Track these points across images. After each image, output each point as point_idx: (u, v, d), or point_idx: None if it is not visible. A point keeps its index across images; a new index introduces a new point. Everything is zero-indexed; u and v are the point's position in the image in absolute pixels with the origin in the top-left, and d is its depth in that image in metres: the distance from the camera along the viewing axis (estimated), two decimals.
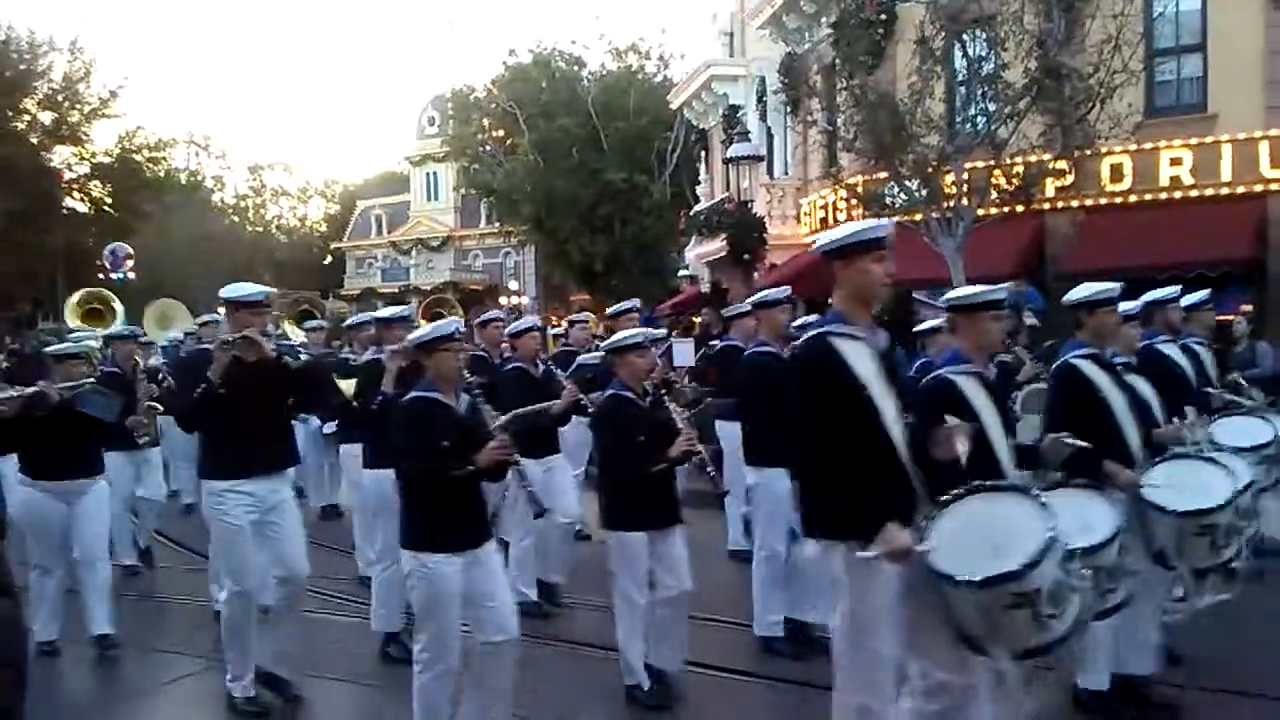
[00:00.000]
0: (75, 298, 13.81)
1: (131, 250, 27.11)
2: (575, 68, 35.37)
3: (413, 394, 4.75)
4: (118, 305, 13.17)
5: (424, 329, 4.92)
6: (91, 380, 6.23)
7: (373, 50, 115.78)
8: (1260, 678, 5.53)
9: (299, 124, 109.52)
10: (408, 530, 4.68)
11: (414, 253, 56.31)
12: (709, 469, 5.71)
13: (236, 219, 59.15)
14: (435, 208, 56.20)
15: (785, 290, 6.74)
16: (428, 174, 56.13)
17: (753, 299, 6.95)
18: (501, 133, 37.23)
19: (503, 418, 4.98)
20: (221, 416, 5.32)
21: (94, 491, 6.61)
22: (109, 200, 39.24)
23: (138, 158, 40.56)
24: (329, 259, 60.87)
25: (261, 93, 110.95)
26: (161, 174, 42.92)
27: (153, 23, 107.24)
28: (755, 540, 6.37)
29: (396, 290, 50.81)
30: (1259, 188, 14.72)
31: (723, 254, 20.21)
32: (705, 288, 24.45)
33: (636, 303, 9.03)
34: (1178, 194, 15.23)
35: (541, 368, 7.35)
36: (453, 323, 4.83)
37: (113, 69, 61.69)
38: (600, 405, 5.60)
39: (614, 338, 5.70)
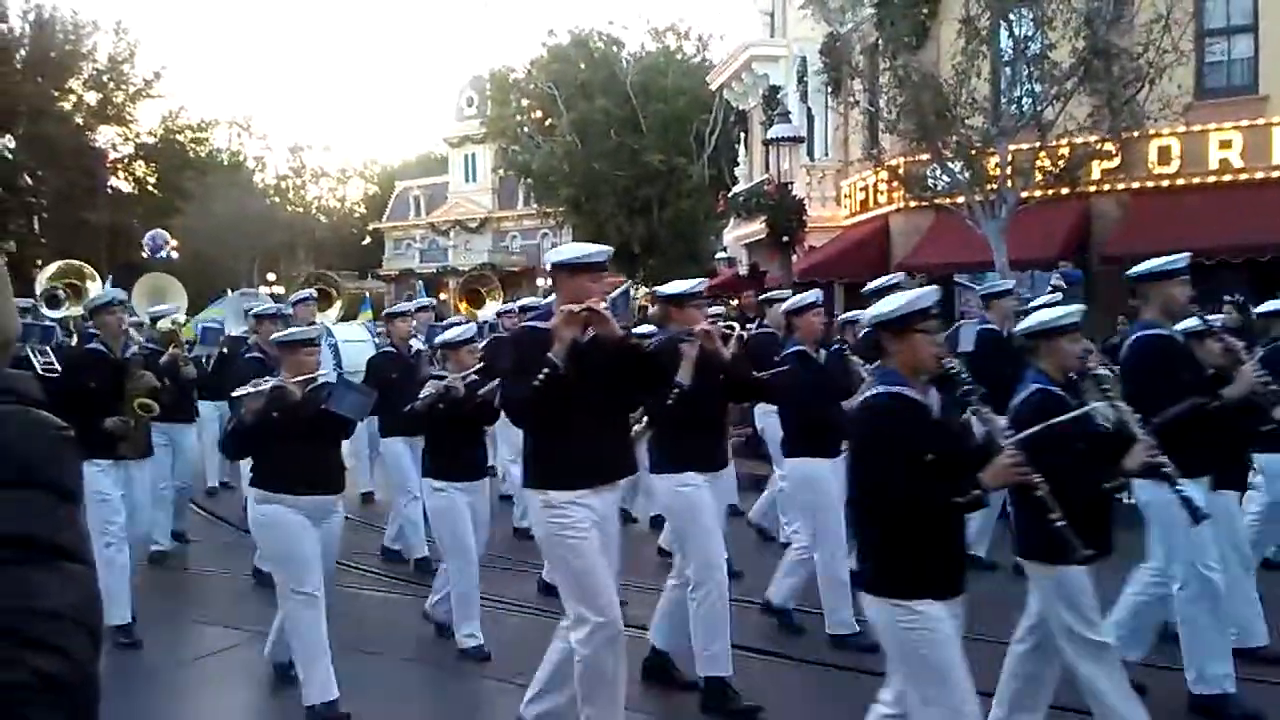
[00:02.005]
0: (49, 270, 11.71)
1: (169, 237, 27.25)
2: (614, 48, 35.28)
3: (879, 390, 3.63)
4: (95, 280, 11.33)
5: (896, 302, 3.69)
6: (338, 373, 6.07)
7: (412, 31, 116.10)
8: None
9: (339, 105, 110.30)
10: (895, 577, 3.53)
11: (452, 234, 56.48)
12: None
13: (277, 199, 59.64)
14: (473, 189, 56.31)
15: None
16: (466, 155, 56.21)
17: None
18: (540, 114, 37.25)
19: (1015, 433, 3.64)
20: (563, 411, 4.25)
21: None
22: (152, 180, 39.71)
23: (180, 138, 41.01)
24: (367, 240, 61.26)
25: (302, 74, 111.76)
26: (204, 154, 43.37)
27: (196, 4, 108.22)
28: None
29: (434, 271, 51.01)
30: None
31: (761, 236, 20.08)
32: (743, 270, 24.34)
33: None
34: (1227, 177, 14.96)
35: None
36: (931, 294, 3.71)
37: (157, 50, 62.62)
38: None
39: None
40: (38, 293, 10.76)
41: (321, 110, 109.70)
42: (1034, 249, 13.97)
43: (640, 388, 4.79)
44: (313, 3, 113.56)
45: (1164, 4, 12.22)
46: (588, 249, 4.44)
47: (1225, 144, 15.04)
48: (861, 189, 19.84)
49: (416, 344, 8.44)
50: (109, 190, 37.80)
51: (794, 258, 18.80)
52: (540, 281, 42.85)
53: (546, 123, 36.53)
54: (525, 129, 37.89)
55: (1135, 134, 13.44)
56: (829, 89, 19.81)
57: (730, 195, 25.75)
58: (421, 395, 5.84)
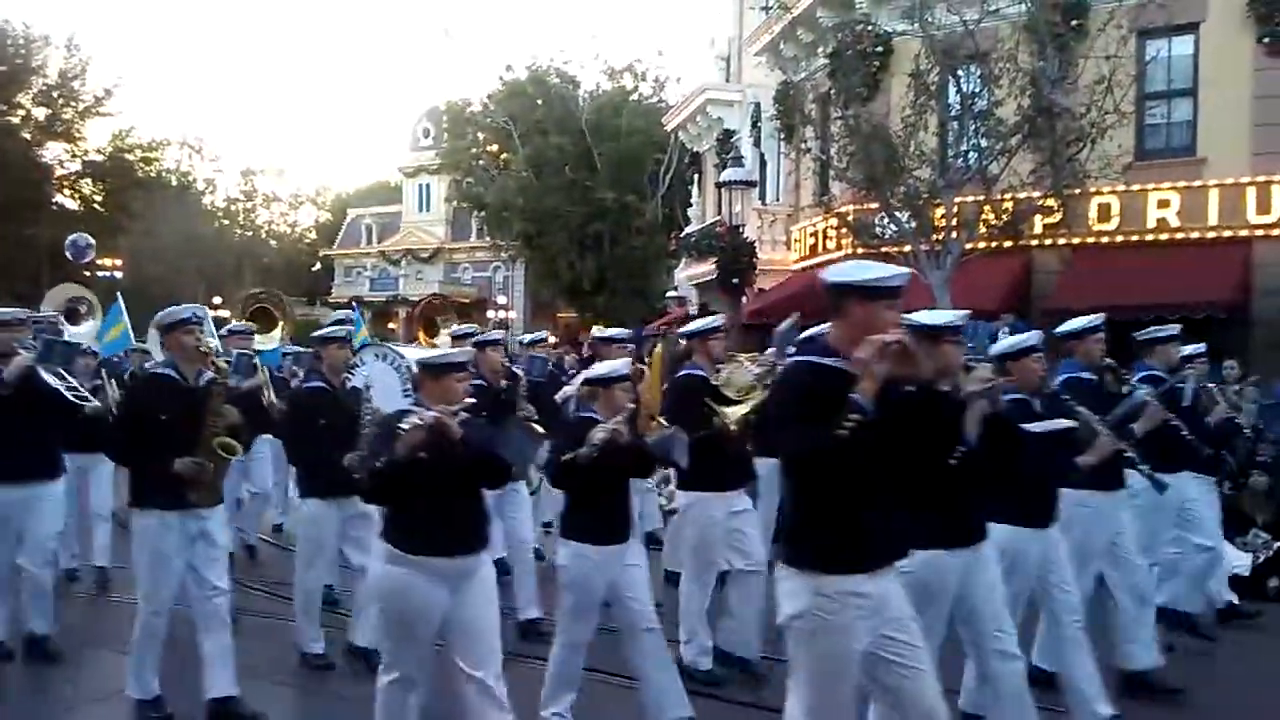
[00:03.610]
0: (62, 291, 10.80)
1: (93, 240, 25.96)
2: (570, 86, 35.53)
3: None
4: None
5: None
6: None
7: (369, 60, 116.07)
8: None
9: (293, 130, 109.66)
10: None
11: (403, 263, 56.20)
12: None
13: (227, 222, 59.01)
14: (426, 219, 56.16)
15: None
16: (420, 185, 56.09)
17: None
18: (495, 147, 37.34)
19: None
20: (858, 470, 3.46)
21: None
22: (99, 199, 39.17)
23: (130, 157, 40.53)
24: (317, 266, 60.75)
25: (257, 98, 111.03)
26: (153, 174, 42.87)
27: (150, 23, 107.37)
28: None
29: (385, 300, 50.70)
30: (1244, 232, 14.88)
31: (712, 276, 20.26)
32: (693, 309, 24.48)
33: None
34: (1164, 236, 15.37)
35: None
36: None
37: (109, 68, 61.92)
38: None
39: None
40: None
41: (275, 135, 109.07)
42: (977, 300, 14.17)
43: (941, 446, 3.94)
44: (271, 27, 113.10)
45: (1108, 66, 12.58)
46: (884, 270, 3.60)
47: (1163, 204, 15.46)
48: (811, 234, 20.09)
49: (357, 379, 7.31)
50: (54, 207, 37.22)
51: (743, 299, 18.97)
52: (490, 314, 42.77)
53: (501, 156, 36.63)
54: (480, 162, 37.95)
55: (1077, 191, 13.74)
56: (781, 135, 20.12)
57: (682, 235, 25.97)
58: (586, 444, 4.69)
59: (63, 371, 6.33)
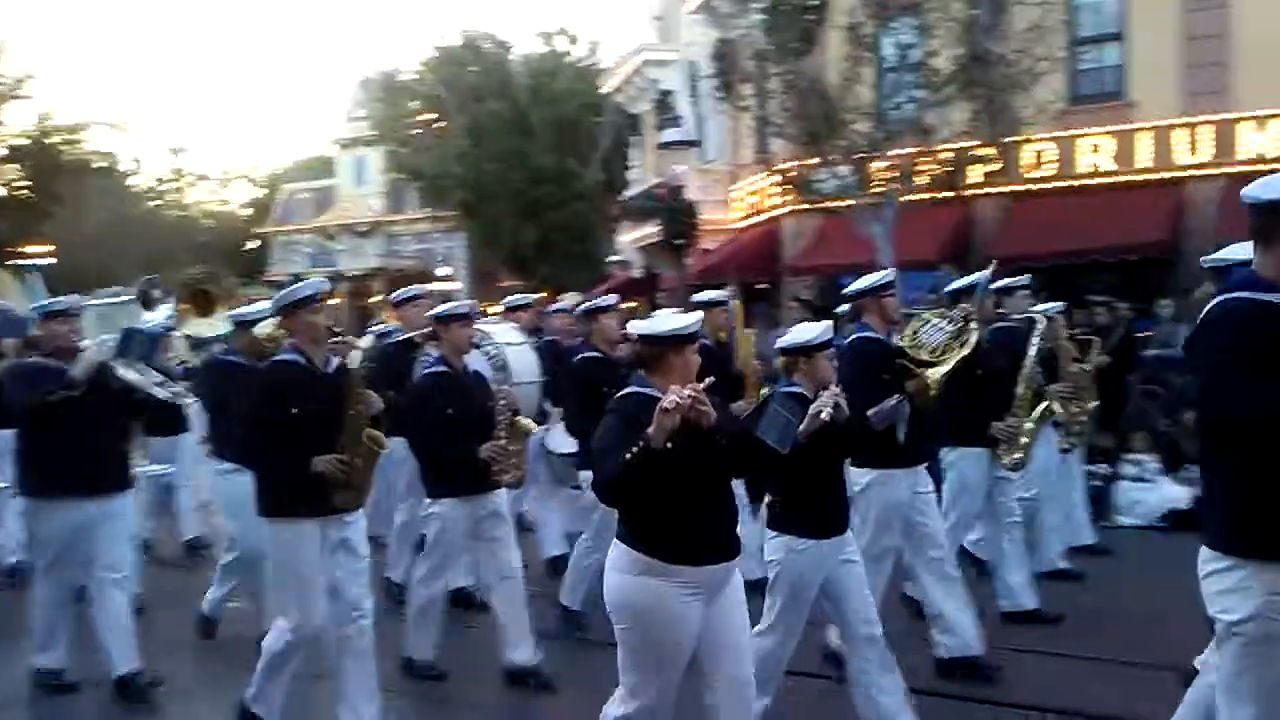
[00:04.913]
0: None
1: None
2: (504, 50, 35.10)
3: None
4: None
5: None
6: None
7: (297, 31, 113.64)
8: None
9: (223, 107, 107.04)
10: None
11: (341, 238, 55.46)
12: None
13: (157, 203, 57.75)
14: (363, 192, 55.29)
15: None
16: (355, 158, 55.17)
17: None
18: (431, 116, 36.83)
19: None
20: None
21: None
22: (24, 184, 38.11)
23: (53, 140, 39.45)
24: (254, 244, 59.73)
25: (184, 75, 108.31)
26: (78, 157, 41.79)
27: (70, 3, 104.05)
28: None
29: (324, 276, 49.97)
30: (1175, 174, 15.12)
31: (656, 239, 20.22)
32: (638, 273, 24.46)
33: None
34: (1098, 181, 15.58)
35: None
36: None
37: (27, 50, 59.94)
38: None
39: None
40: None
41: (203, 112, 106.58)
42: (920, 250, 14.36)
43: None
44: (192, 2, 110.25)
45: (1038, 13, 12.68)
46: None
47: (1096, 148, 15.67)
48: (753, 192, 20.11)
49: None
50: None
51: (688, 260, 18.97)
52: (435, 286, 42.35)
53: (437, 125, 36.15)
54: (416, 131, 37.44)
55: (1012, 139, 13.91)
56: (719, 94, 20.05)
57: (623, 199, 25.86)
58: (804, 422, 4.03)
59: (146, 366, 5.63)
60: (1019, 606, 6.34)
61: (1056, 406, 6.72)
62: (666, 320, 3.93)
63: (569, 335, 7.58)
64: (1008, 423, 6.08)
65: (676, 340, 3.74)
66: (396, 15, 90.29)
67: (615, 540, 3.76)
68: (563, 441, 6.99)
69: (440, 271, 48.11)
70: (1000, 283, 6.53)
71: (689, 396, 3.38)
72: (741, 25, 18.33)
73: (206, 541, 9.00)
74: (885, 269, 12.91)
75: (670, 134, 18.64)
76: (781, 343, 4.61)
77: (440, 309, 5.84)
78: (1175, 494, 9.19)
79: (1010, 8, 13.07)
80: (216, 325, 9.53)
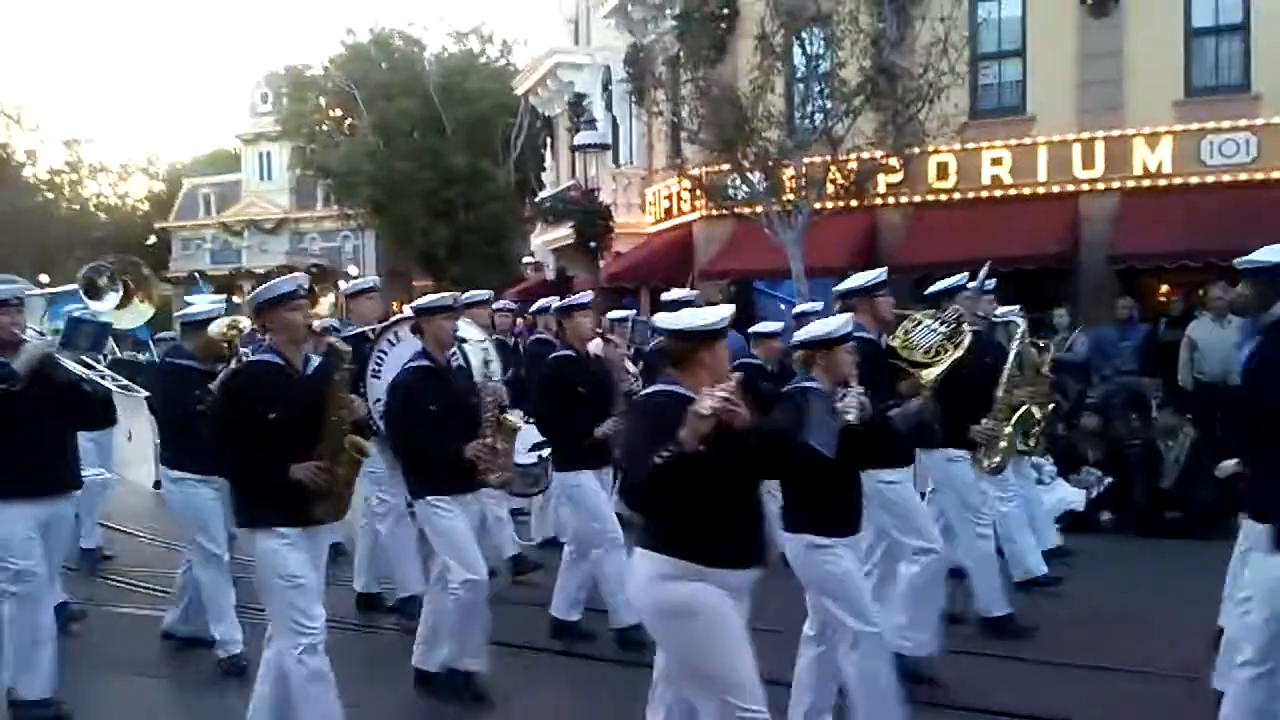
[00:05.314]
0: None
1: None
2: (415, 49, 34.78)
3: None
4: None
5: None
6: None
7: (200, 22, 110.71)
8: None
9: (122, 98, 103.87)
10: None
11: (246, 234, 54.26)
12: None
13: (51, 195, 55.78)
14: (269, 188, 54.23)
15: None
16: (261, 153, 54.09)
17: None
18: (339, 112, 36.33)
19: None
20: None
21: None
22: None
23: None
24: (153, 240, 58.05)
25: (81, 64, 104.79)
26: None
27: None
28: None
29: (228, 273, 48.90)
30: (1071, 188, 15.68)
31: (569, 241, 20.27)
32: (550, 275, 24.46)
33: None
34: (998, 192, 16.07)
35: None
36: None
37: None
38: None
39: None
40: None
41: (102, 102, 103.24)
42: (828, 257, 14.64)
43: None
44: None
45: (942, 28, 13.04)
46: None
47: (997, 161, 16.14)
48: (666, 196, 20.27)
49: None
50: None
51: (601, 263, 19.05)
52: (342, 284, 41.66)
53: (346, 122, 35.68)
54: (324, 127, 36.88)
55: (917, 150, 14.27)
56: (633, 98, 20.18)
57: (537, 200, 25.84)
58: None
59: (89, 359, 5.34)
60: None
61: (1035, 410, 6.68)
62: (698, 315, 3.77)
63: (508, 334, 7.61)
64: (986, 425, 6.11)
65: (708, 335, 3.61)
66: (304, 10, 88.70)
67: (641, 551, 3.60)
68: (520, 451, 6.69)
69: (350, 270, 47.44)
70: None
71: (722, 399, 3.27)
72: (654, 31, 18.52)
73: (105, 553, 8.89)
74: (795, 276, 13.09)
75: (584, 136, 18.71)
76: (800, 335, 4.50)
77: (423, 300, 5.62)
78: (1071, 495, 9.55)
79: (915, 23, 13.44)
80: (131, 316, 8.87)
